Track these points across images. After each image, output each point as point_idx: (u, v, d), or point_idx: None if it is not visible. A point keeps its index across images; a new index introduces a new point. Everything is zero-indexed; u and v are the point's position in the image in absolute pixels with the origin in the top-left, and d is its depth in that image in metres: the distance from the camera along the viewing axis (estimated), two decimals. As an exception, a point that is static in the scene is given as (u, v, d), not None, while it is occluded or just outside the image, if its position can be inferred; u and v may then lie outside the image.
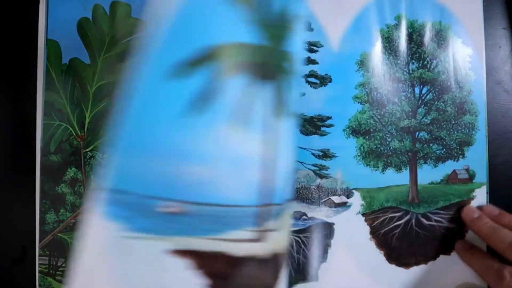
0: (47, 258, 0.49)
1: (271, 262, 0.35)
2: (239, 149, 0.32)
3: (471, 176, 0.50)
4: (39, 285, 0.47)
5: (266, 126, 0.33)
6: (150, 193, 0.31)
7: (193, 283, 0.32)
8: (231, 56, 0.30)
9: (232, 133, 0.31)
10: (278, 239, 0.35)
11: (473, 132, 0.50)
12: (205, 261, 0.32)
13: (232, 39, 0.30)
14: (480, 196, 0.50)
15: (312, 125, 0.48)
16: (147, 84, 0.30)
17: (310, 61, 0.48)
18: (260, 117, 0.32)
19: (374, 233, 0.49)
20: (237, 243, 0.33)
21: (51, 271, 0.49)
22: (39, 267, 0.48)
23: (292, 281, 0.47)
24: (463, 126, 0.50)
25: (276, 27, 0.31)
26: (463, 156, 0.50)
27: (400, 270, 0.49)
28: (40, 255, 0.49)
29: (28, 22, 0.50)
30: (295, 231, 0.48)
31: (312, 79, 0.48)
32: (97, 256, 0.32)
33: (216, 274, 0.32)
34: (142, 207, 0.31)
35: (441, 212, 0.49)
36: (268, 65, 0.31)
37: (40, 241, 0.48)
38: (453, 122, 0.50)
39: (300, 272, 0.47)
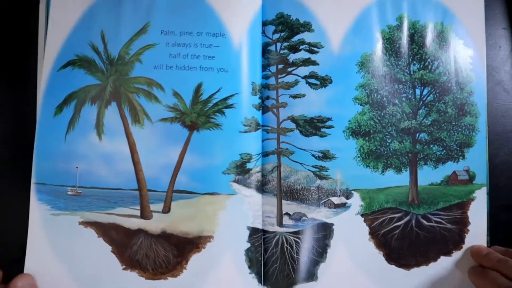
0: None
1: (162, 238, 0.46)
2: (108, 148, 0.47)
3: (471, 177, 0.50)
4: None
5: (129, 132, 0.47)
6: (58, 182, 0.47)
7: (100, 248, 0.46)
8: (86, 93, 0.47)
9: (100, 138, 0.47)
10: (165, 220, 0.47)
11: (473, 133, 0.50)
12: (105, 230, 0.47)
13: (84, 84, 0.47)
14: (480, 197, 0.50)
15: (312, 126, 0.48)
16: (44, 115, 0.48)
17: (311, 62, 0.48)
18: (119, 126, 0.47)
19: (373, 233, 0.49)
20: (128, 218, 0.47)
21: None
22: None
23: (291, 281, 0.47)
24: (464, 128, 0.50)
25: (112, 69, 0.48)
26: (463, 157, 0.50)
27: (401, 271, 0.49)
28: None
29: (28, 22, 0.50)
30: (295, 232, 0.48)
31: (312, 80, 0.48)
32: (37, 230, 0.47)
33: (116, 241, 0.47)
34: (57, 193, 0.47)
35: (441, 213, 0.50)
36: (112, 91, 0.47)
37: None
38: (454, 123, 0.50)
39: (299, 272, 0.48)
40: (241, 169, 0.47)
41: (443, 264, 0.49)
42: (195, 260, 0.46)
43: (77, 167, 0.47)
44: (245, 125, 0.47)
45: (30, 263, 0.46)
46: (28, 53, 0.49)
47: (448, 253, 0.49)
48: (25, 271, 0.46)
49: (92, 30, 0.47)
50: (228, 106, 0.47)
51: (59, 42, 0.47)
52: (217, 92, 0.47)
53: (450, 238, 0.49)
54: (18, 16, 0.50)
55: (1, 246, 0.50)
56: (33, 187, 0.47)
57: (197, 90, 0.47)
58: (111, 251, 0.47)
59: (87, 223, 0.47)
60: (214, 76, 0.47)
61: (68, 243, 0.47)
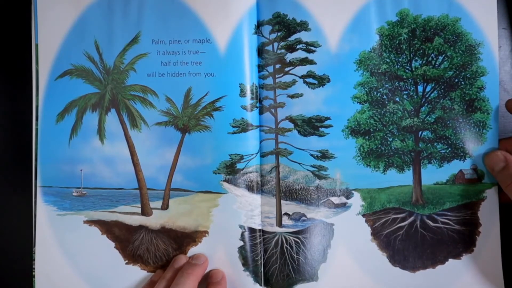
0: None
1: (162, 233, 0.49)
2: (110, 151, 0.50)
3: (480, 176, 0.47)
4: (37, 281, 0.51)
5: (128, 136, 0.50)
6: (63, 185, 0.51)
7: (104, 244, 0.50)
8: (86, 101, 0.50)
9: (102, 143, 0.50)
10: (164, 216, 0.50)
11: (484, 130, 0.48)
12: (108, 228, 0.50)
13: (83, 93, 0.51)
14: (491, 197, 0.47)
15: (310, 126, 0.48)
16: (45, 123, 0.51)
17: (308, 62, 0.48)
18: (119, 130, 0.50)
19: (375, 234, 0.48)
20: (129, 215, 0.50)
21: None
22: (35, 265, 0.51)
23: (292, 282, 0.48)
24: (472, 125, 0.48)
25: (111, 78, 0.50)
26: (470, 156, 0.47)
27: (405, 273, 0.47)
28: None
29: (22, 26, 0.52)
30: (294, 232, 0.48)
31: (310, 80, 0.48)
32: (45, 229, 0.50)
33: (118, 238, 0.50)
34: (62, 194, 0.51)
35: (449, 213, 0.48)
36: (110, 99, 0.51)
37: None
38: (461, 120, 0.48)
39: (300, 272, 0.48)
40: (230, 169, 0.48)
41: (452, 267, 0.47)
42: (193, 253, 0.49)
43: (81, 170, 0.50)
44: (233, 126, 0.48)
45: (39, 261, 0.50)
46: (23, 57, 0.52)
47: (457, 256, 0.47)
48: (35, 268, 0.50)
49: (85, 39, 0.50)
50: (216, 109, 0.48)
51: (53, 51, 0.50)
52: (205, 96, 0.48)
53: (460, 240, 0.47)
54: (11, 19, 0.54)
55: (2, 247, 0.53)
56: (39, 190, 0.51)
57: (187, 94, 0.49)
58: (114, 247, 0.50)
59: (91, 222, 0.50)
60: (202, 80, 0.48)
61: (73, 241, 0.50)
